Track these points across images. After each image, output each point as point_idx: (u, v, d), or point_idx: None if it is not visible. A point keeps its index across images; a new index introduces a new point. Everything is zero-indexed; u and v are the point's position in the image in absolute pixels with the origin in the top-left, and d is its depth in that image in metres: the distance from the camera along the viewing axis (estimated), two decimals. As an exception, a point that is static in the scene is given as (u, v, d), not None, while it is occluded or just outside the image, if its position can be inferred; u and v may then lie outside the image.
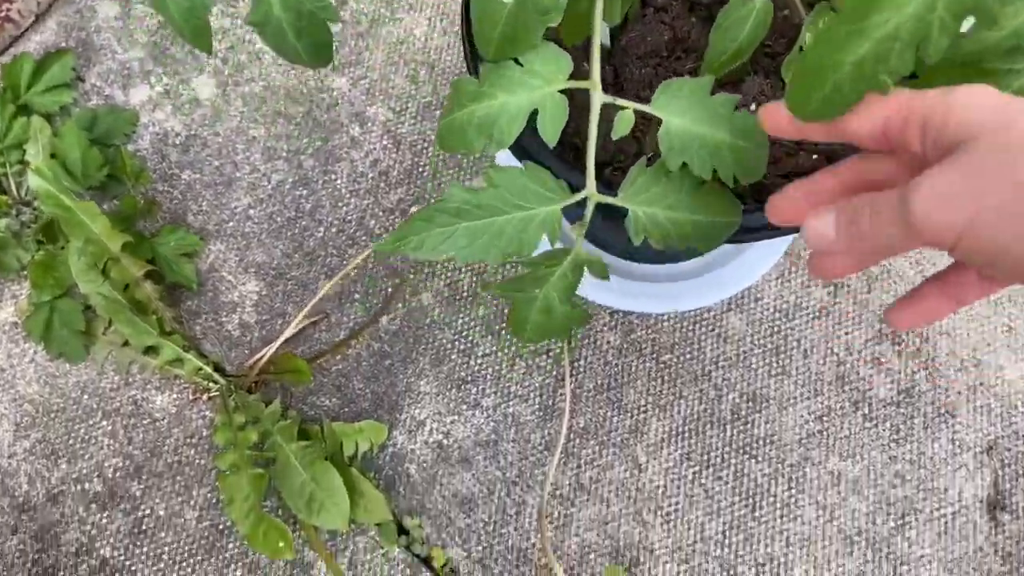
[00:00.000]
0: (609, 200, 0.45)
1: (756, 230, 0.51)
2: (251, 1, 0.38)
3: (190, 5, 0.35)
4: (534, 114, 0.44)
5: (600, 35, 0.43)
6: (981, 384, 0.75)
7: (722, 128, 0.44)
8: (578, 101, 0.45)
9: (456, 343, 0.77)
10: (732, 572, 0.71)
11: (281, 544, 0.66)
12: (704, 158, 0.44)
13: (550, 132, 0.43)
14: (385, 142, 0.82)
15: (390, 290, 0.78)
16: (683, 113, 0.44)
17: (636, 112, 0.44)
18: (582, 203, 0.46)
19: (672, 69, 0.59)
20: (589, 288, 0.76)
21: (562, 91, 0.44)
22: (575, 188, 0.45)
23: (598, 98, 0.44)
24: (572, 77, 0.44)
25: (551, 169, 0.45)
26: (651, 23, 0.60)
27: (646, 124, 0.53)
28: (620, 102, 0.44)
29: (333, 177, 0.82)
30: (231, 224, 0.80)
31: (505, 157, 0.76)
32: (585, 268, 0.47)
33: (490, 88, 0.43)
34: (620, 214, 0.47)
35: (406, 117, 0.83)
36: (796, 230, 0.51)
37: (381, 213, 0.80)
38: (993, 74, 0.36)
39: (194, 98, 0.84)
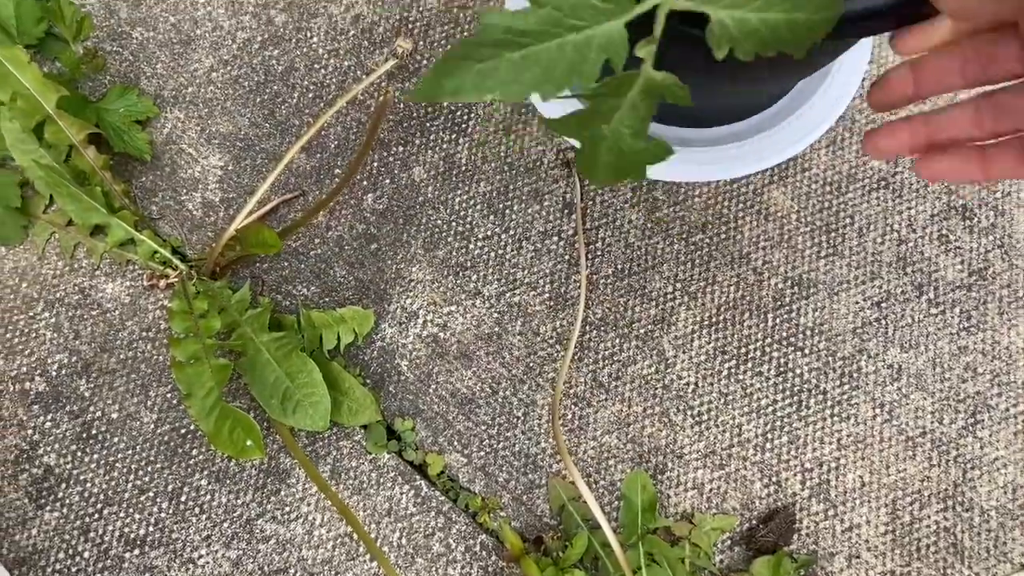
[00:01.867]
0: (688, 6, 0.34)
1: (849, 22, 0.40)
2: None
3: None
4: None
5: None
6: (1066, 264, 0.64)
7: None
8: None
9: (453, 224, 0.66)
10: (775, 479, 0.61)
11: (248, 442, 0.56)
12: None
13: None
14: (369, -7, 0.71)
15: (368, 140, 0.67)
16: None
17: None
18: (647, 19, 0.35)
19: None
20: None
21: None
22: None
23: None
24: None
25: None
26: None
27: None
28: None
29: (308, 35, 0.70)
30: (191, 89, 0.69)
31: (517, 2, 0.64)
32: (661, 94, 0.36)
33: None
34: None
35: (393, -35, 0.72)
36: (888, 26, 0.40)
37: (364, 76, 0.69)
38: None
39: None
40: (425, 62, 0.69)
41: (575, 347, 0.64)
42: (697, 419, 0.63)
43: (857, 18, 0.39)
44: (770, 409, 0.63)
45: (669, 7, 0.34)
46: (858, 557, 0.60)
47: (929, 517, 0.60)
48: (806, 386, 0.63)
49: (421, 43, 0.70)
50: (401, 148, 0.68)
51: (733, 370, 0.63)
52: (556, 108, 0.65)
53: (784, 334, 0.64)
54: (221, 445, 0.57)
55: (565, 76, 0.35)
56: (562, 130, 0.38)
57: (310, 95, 0.69)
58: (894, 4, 0.39)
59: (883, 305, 0.64)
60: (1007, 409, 0.62)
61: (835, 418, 0.62)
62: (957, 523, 0.60)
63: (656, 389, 0.63)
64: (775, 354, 0.64)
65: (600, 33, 0.35)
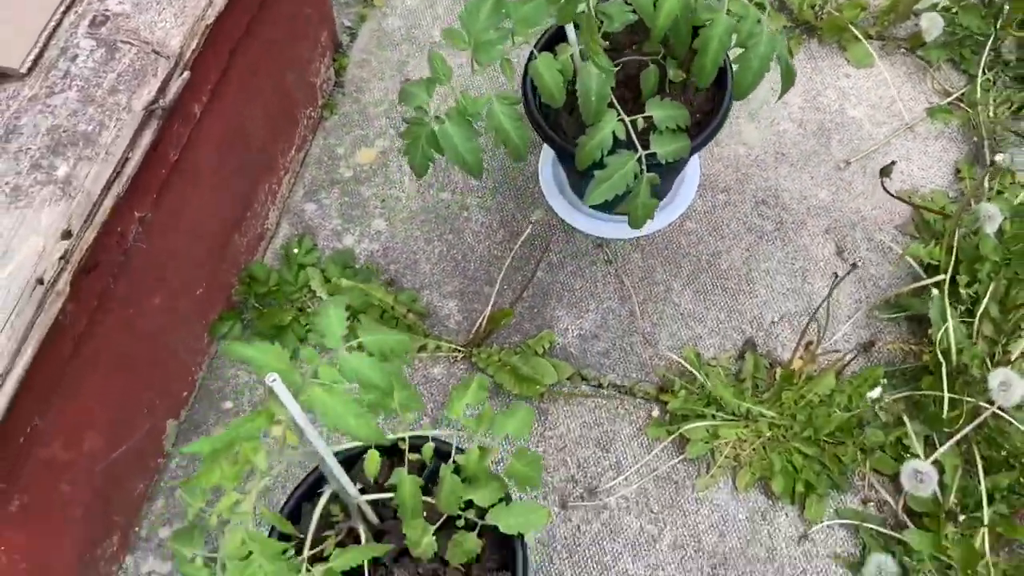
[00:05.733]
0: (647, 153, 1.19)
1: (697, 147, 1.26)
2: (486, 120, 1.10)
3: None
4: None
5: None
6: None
7: (674, 111, 1.19)
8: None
9: (572, 284, 1.48)
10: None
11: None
12: (671, 122, 1.19)
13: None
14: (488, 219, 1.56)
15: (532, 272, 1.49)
16: (659, 110, 1.18)
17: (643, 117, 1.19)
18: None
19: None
20: (594, 225, 1.49)
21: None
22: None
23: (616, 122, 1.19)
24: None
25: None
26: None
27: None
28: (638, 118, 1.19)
29: (463, 235, 1.53)
30: (433, 275, 1.50)
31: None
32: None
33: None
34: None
35: (486, 194, 1.57)
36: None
37: (496, 246, 1.52)
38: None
39: (376, 231, 1.55)
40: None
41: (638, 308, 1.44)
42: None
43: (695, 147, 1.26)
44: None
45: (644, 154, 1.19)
46: None
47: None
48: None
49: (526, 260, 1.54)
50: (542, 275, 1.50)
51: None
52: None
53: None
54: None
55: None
56: (624, 209, 1.21)
57: (477, 263, 1.51)
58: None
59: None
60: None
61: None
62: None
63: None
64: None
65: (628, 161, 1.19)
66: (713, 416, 1.31)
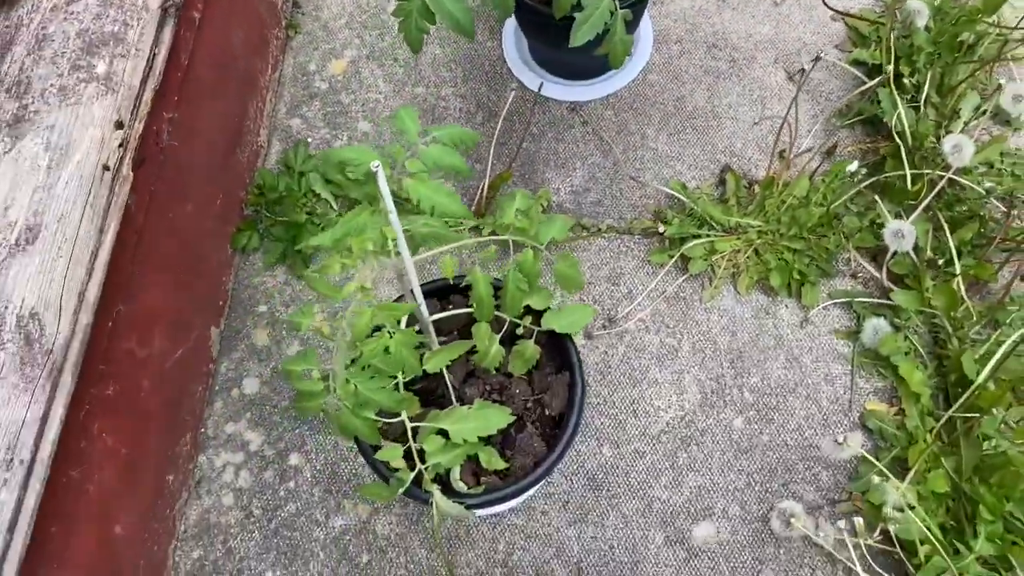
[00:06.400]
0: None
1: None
2: None
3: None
4: None
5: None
6: (757, 41, 1.65)
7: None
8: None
9: (556, 148, 1.59)
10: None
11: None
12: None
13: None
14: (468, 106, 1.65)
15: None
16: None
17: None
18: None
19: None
20: (564, 92, 1.60)
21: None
22: None
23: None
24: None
25: None
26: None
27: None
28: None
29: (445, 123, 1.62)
30: (421, 168, 1.59)
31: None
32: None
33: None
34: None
35: (459, 82, 1.66)
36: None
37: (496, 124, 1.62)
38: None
39: (363, 132, 1.63)
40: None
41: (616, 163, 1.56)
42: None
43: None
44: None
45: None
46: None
47: (771, 139, 1.56)
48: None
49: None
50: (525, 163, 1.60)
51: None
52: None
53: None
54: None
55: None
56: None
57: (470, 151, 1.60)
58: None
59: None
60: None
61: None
62: (780, 135, 1.57)
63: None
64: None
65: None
66: (707, 235, 1.45)
